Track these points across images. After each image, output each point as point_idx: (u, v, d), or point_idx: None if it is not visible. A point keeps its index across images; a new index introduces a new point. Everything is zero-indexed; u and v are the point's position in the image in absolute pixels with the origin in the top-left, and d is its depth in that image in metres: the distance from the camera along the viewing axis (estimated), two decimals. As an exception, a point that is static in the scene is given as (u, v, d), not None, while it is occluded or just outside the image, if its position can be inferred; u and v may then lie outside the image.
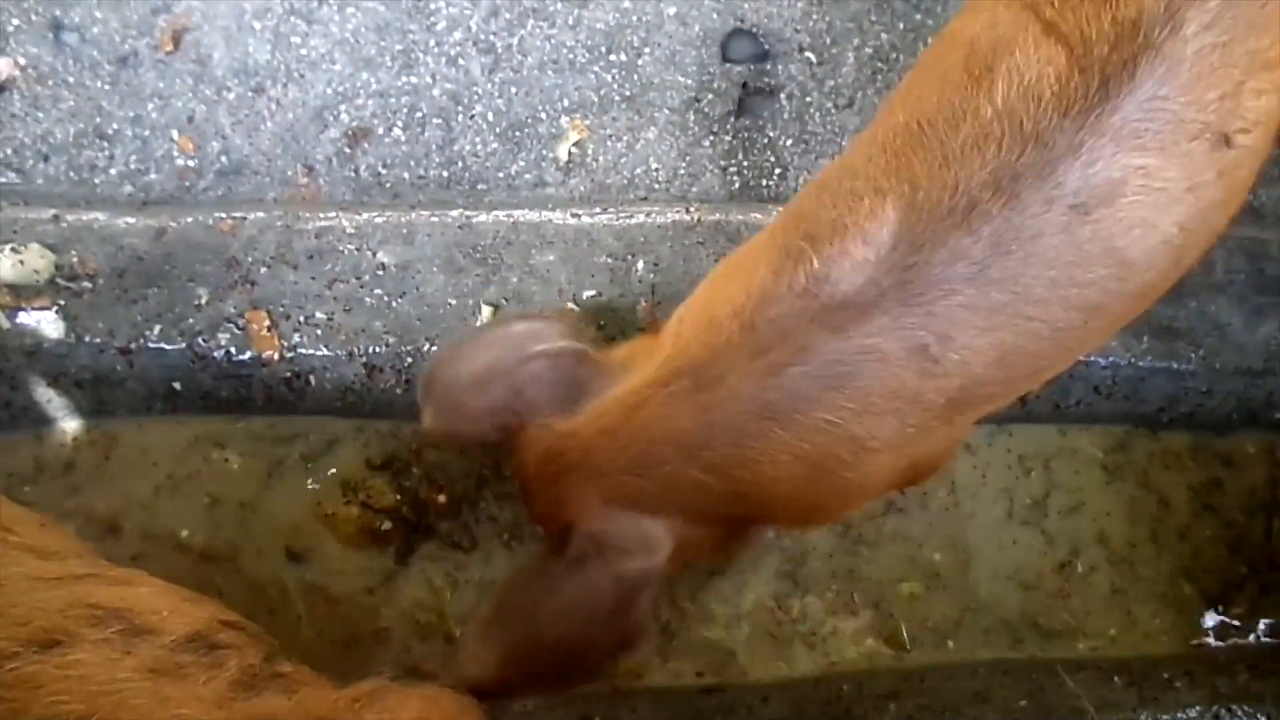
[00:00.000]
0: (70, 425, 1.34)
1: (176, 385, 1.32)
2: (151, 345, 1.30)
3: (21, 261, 1.28)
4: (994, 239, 0.80)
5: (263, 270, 1.33)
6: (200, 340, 1.30)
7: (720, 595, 1.37)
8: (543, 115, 1.45)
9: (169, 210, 1.35)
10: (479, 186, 1.44)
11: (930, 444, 0.93)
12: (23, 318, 1.29)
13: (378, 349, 1.32)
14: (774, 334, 0.85)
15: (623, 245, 1.37)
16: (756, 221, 1.39)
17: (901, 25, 1.50)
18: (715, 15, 1.48)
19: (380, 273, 1.34)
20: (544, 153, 1.45)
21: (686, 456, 0.89)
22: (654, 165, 1.45)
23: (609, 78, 1.46)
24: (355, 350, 1.32)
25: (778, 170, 1.46)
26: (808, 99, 1.48)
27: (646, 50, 1.47)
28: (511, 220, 1.37)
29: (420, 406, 1.05)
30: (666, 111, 1.46)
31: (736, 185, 1.45)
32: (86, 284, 1.30)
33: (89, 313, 1.30)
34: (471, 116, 1.45)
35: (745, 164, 1.46)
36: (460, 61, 1.45)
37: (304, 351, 1.32)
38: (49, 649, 0.68)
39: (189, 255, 1.32)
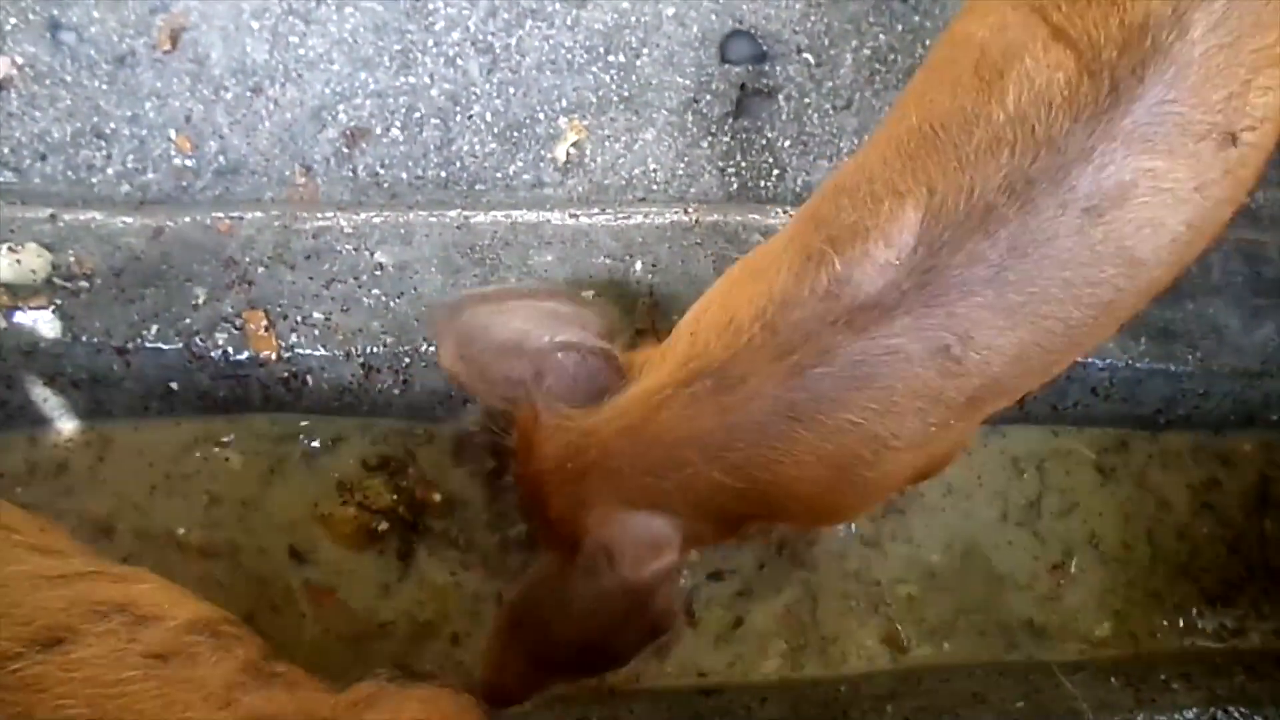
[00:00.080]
0: (66, 425, 1.34)
1: (173, 385, 1.32)
2: (148, 345, 1.30)
3: (18, 261, 1.28)
4: (1011, 242, 0.81)
5: (260, 270, 1.32)
6: (197, 340, 1.30)
7: (719, 596, 1.37)
8: (541, 116, 1.45)
9: (166, 210, 1.35)
10: (477, 187, 1.43)
11: (945, 441, 0.94)
12: (19, 317, 1.28)
13: (375, 349, 1.32)
14: (797, 336, 0.85)
15: (621, 246, 1.37)
16: (754, 223, 1.39)
17: (900, 27, 1.50)
18: (714, 16, 1.48)
19: (378, 273, 1.34)
20: (542, 153, 1.45)
21: (709, 458, 0.89)
22: (652, 166, 1.45)
23: (607, 78, 1.46)
24: (353, 350, 1.32)
25: (776, 171, 1.46)
26: (806, 100, 1.48)
27: (645, 51, 1.47)
28: (509, 221, 1.37)
29: (437, 338, 1.06)
30: (665, 112, 1.46)
31: (735, 186, 1.45)
32: (83, 283, 1.30)
33: (86, 312, 1.29)
34: (469, 117, 1.44)
35: (743, 165, 1.46)
36: (458, 62, 1.45)
37: (301, 351, 1.31)
38: (52, 648, 0.68)
39: (186, 255, 1.32)
